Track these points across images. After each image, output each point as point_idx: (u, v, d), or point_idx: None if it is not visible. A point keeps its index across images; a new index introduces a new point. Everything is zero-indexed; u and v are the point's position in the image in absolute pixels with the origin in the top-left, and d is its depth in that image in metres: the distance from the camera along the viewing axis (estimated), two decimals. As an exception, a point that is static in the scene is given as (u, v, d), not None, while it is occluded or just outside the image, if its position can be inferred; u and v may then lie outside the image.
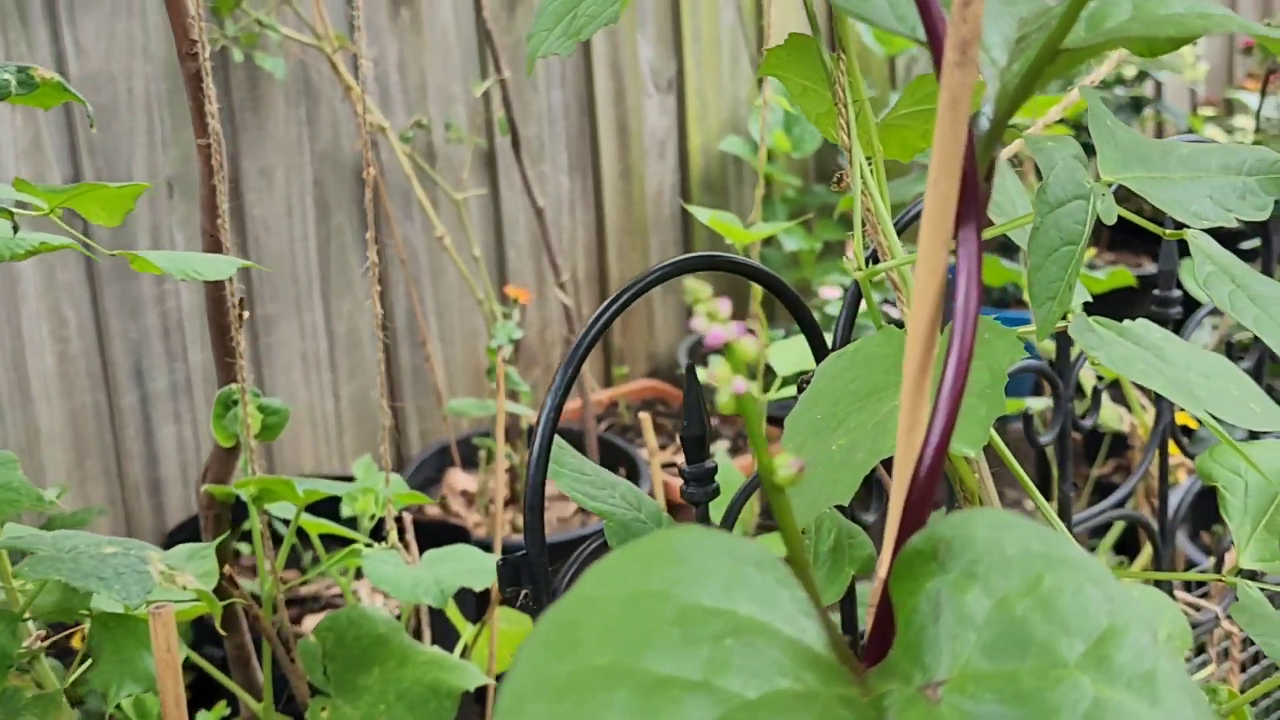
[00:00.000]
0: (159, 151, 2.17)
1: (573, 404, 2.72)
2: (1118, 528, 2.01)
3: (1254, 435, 0.97)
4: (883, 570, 0.39)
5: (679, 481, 0.73)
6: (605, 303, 0.65)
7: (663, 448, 2.65)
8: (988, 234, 0.61)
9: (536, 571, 0.66)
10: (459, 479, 2.44)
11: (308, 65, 2.34)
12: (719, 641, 0.33)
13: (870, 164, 0.65)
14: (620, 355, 2.94)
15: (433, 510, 2.39)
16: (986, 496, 0.68)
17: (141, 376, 2.22)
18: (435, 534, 2.21)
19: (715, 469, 0.72)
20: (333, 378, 2.46)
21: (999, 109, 0.38)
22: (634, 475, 2.41)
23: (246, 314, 1.15)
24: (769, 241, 3.03)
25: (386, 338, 2.53)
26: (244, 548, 2.07)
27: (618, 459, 2.47)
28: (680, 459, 0.73)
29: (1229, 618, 1.09)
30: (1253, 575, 0.82)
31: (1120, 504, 1.05)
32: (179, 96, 2.19)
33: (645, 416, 1.33)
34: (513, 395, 2.44)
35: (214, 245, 1.06)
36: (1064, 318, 0.67)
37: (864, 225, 0.65)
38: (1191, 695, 0.33)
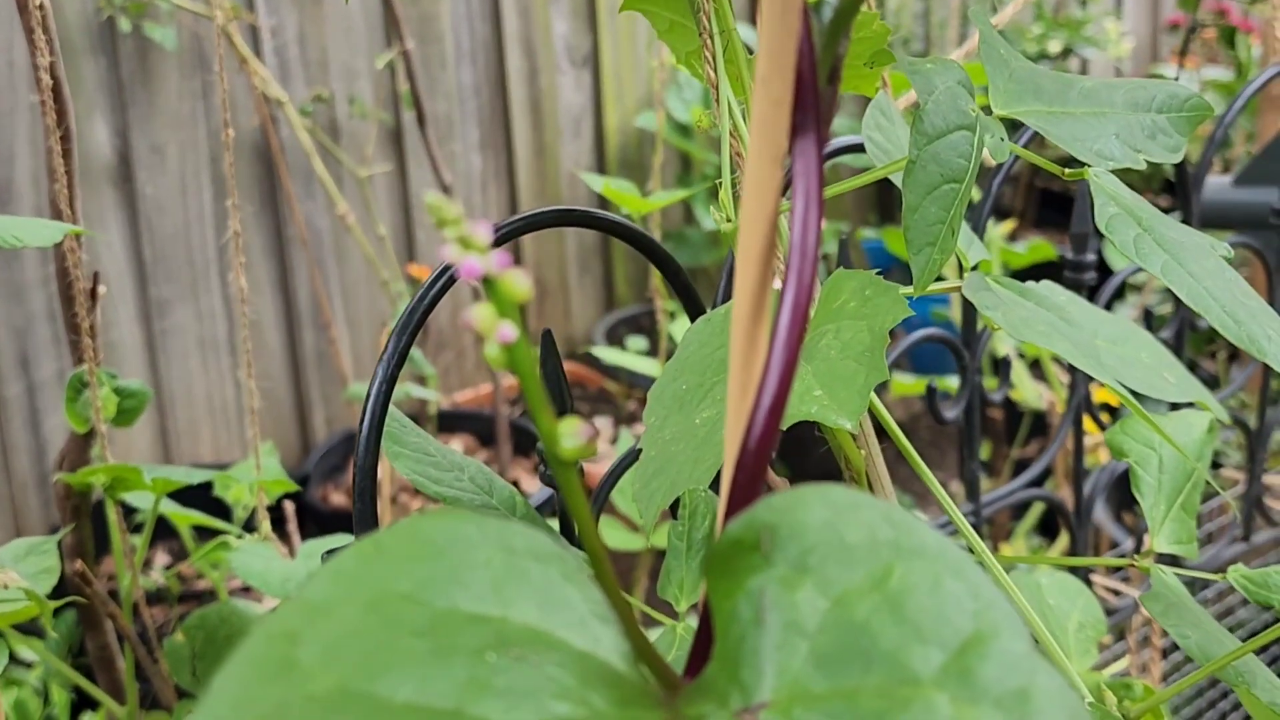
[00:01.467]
0: (43, 126, 2.06)
1: (485, 388, 2.65)
2: (1038, 509, 1.95)
3: (1175, 407, 0.91)
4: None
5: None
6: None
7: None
8: (862, 180, 0.54)
9: (369, 565, 0.58)
10: (366, 467, 2.35)
11: (202, 37, 2.23)
12: (480, 657, 0.26)
13: (742, 104, 0.58)
14: (535, 338, 2.86)
15: (338, 499, 2.31)
16: (875, 475, 0.62)
17: (27, 364, 2.11)
18: (339, 524, 2.12)
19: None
20: (232, 363, 2.36)
21: (845, -6, 0.31)
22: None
23: (104, 289, 1.06)
24: (690, 220, 2.96)
25: (290, 321, 2.43)
26: (137, 540, 1.97)
27: (531, 445, 2.40)
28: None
29: (1148, 603, 1.03)
30: (1171, 558, 0.76)
31: (1036, 483, 0.99)
32: (69, 69, 2.08)
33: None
34: (420, 380, 2.35)
35: (56, 211, 0.97)
36: (960, 275, 0.60)
37: (734, 173, 0.58)
38: (1074, 716, 0.26)
